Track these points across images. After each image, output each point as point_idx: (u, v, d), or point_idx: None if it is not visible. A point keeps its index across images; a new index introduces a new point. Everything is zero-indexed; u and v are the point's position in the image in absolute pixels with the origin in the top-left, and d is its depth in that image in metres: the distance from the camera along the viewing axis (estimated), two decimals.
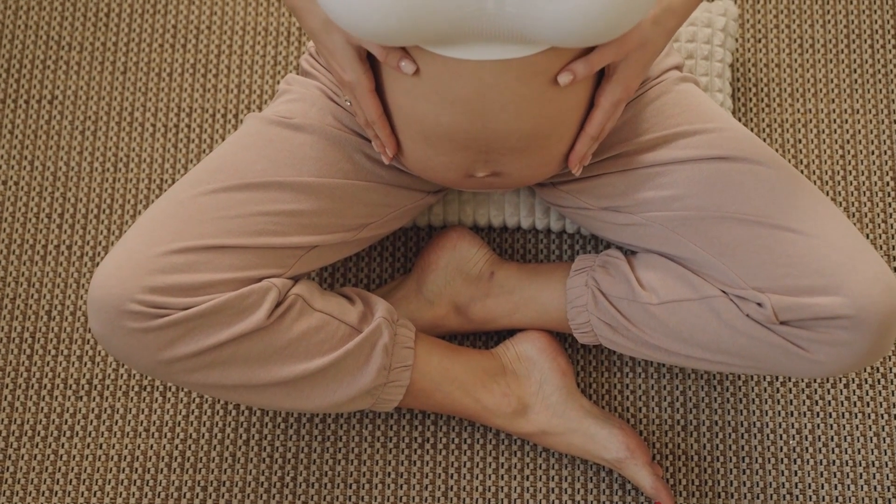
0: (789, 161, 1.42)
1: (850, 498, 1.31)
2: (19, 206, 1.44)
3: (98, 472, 1.33)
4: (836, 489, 1.32)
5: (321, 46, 1.05)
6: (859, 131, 1.45)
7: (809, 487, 1.32)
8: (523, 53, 0.96)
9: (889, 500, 1.31)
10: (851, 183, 1.43)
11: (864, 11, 1.51)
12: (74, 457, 1.34)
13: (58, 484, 1.33)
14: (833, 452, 1.33)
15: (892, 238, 1.41)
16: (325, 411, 1.17)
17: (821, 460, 1.33)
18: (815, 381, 1.35)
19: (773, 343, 1.08)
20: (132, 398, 1.36)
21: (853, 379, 1.36)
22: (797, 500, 1.31)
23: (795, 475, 1.32)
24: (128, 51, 1.51)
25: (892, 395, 1.35)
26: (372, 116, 1.07)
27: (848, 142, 1.45)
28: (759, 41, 1.50)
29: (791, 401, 1.35)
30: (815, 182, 1.42)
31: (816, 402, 1.35)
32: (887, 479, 1.32)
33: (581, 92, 1.03)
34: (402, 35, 0.93)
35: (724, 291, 1.11)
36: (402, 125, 1.07)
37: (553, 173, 1.16)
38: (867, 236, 1.40)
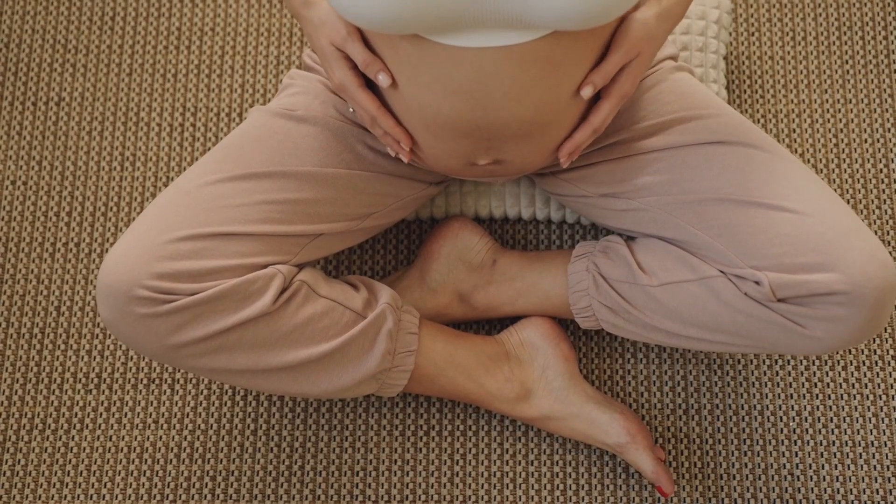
0: None
1: (850, 477, 1.32)
2: (28, 204, 1.45)
3: (108, 463, 1.34)
4: (836, 468, 1.33)
5: (316, 51, 1.09)
6: (852, 120, 1.47)
7: (810, 468, 1.33)
8: (524, 39, 0.96)
9: (888, 478, 1.32)
10: (845, 171, 1.45)
11: (854, 4, 1.53)
12: (84, 449, 1.35)
13: (69, 476, 1.34)
14: (833, 433, 1.34)
15: (886, 224, 1.43)
16: (330, 396, 1.18)
17: (821, 440, 1.34)
18: (813, 363, 1.37)
19: (772, 320, 1.09)
20: (140, 391, 1.37)
21: (851, 360, 1.37)
22: (798, 480, 1.32)
23: (796, 455, 1.33)
24: (133, 53, 1.53)
25: (890, 375, 1.36)
26: (370, 110, 1.07)
27: (841, 131, 1.47)
28: (753, 34, 1.52)
29: (790, 383, 1.36)
30: None
31: (815, 383, 1.36)
32: (886, 458, 1.33)
33: (581, 78, 1.03)
34: (404, 22, 0.93)
35: (722, 272, 1.12)
36: (404, 114, 1.07)
37: (554, 160, 1.17)
38: None
